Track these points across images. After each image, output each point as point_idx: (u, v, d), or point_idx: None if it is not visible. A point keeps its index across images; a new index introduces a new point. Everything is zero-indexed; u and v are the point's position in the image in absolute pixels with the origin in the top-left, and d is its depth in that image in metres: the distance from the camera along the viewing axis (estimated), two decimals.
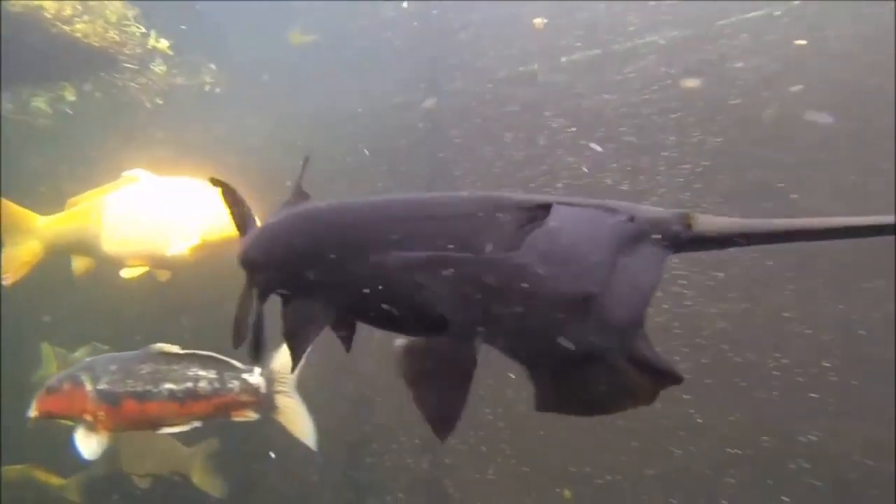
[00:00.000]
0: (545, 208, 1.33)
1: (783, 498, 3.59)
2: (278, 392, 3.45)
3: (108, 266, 4.34)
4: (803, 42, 4.07)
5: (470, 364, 1.35)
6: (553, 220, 1.32)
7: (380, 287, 1.41)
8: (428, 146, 5.21)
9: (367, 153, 5.25)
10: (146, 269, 4.23)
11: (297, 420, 3.53)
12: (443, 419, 1.35)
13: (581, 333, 1.31)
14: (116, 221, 4.28)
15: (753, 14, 4.41)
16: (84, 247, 4.41)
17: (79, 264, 4.53)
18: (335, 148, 5.29)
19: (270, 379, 3.42)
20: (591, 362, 1.33)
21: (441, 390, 1.36)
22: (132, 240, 4.23)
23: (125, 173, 4.49)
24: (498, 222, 1.33)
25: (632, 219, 1.35)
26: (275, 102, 5.84)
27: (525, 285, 1.31)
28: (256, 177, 3.97)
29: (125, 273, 4.22)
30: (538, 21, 5.30)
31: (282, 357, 3.54)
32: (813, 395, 3.61)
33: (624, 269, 1.33)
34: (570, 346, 1.31)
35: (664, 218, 1.36)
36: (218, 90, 6.26)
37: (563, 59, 4.93)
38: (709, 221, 1.35)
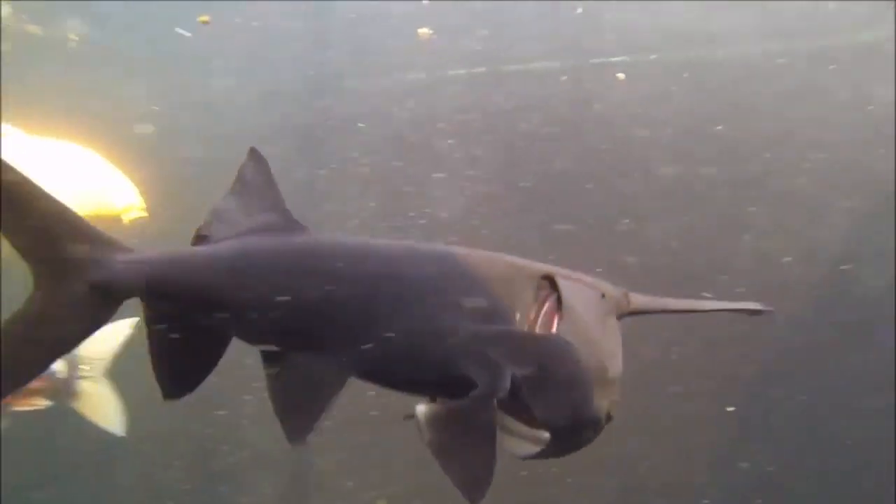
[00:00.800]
0: (550, 279, 1.45)
1: None
2: (82, 377, 3.28)
3: None
4: (622, 75, 4.46)
5: (493, 425, 1.36)
6: (567, 296, 1.43)
7: (416, 348, 1.35)
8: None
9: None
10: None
11: (102, 407, 3.37)
12: (475, 483, 1.30)
13: (597, 400, 1.41)
14: None
15: (622, 58, 4.75)
16: None
17: None
18: (212, 141, 5.05)
19: (73, 363, 3.24)
20: (593, 424, 1.43)
21: (469, 455, 1.33)
22: None
23: None
24: (524, 290, 1.42)
25: (603, 295, 1.54)
26: (147, 77, 5.49)
27: (563, 359, 1.38)
28: (121, 154, 3.76)
29: None
30: (423, 31, 5.32)
31: (91, 340, 3.37)
32: None
33: (607, 341, 1.48)
34: (595, 414, 1.40)
35: (618, 295, 1.59)
36: (86, 50, 5.78)
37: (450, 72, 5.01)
38: (639, 299, 1.62)
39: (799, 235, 4.15)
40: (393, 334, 1.33)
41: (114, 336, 3.36)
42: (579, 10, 4.66)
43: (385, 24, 5.10)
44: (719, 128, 4.25)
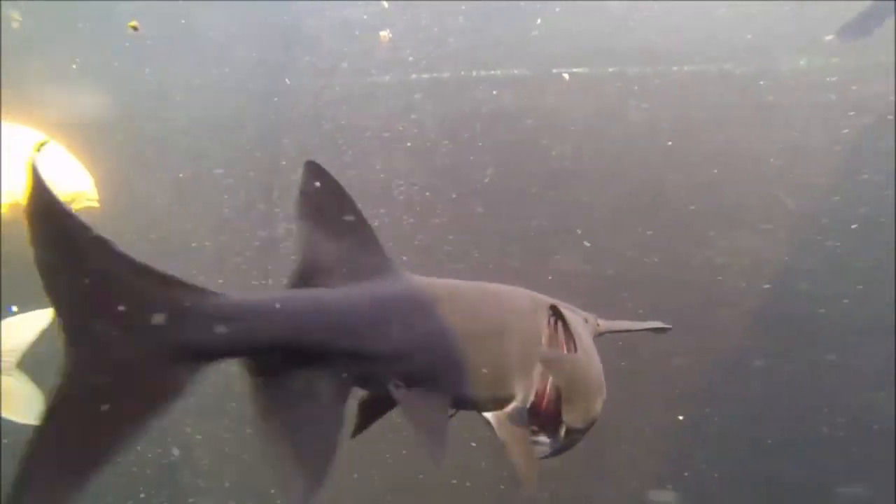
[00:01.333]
0: (554, 308, 1.69)
1: None
2: None
3: None
4: (566, 75, 4.51)
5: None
6: (572, 322, 1.68)
7: (495, 374, 1.56)
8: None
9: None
10: None
11: (16, 401, 3.16)
12: (532, 473, 1.57)
13: (598, 405, 1.68)
14: None
15: (581, 70, 4.76)
16: None
17: None
18: (167, 132, 4.86)
19: None
20: (592, 424, 1.68)
21: (526, 450, 1.61)
22: None
23: None
24: (542, 318, 1.67)
25: (586, 320, 1.84)
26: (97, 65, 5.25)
27: (585, 371, 1.64)
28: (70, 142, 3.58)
29: None
30: (384, 34, 5.27)
31: (2, 331, 3.16)
32: None
33: (596, 356, 1.74)
34: (597, 416, 1.67)
35: (593, 320, 1.90)
36: (27, 32, 5.48)
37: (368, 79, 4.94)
38: (603, 323, 1.93)
39: (744, 249, 4.25)
40: (484, 366, 1.53)
41: (28, 326, 3.16)
42: (538, 21, 4.70)
43: (344, 26, 5.04)
44: (670, 143, 4.33)
